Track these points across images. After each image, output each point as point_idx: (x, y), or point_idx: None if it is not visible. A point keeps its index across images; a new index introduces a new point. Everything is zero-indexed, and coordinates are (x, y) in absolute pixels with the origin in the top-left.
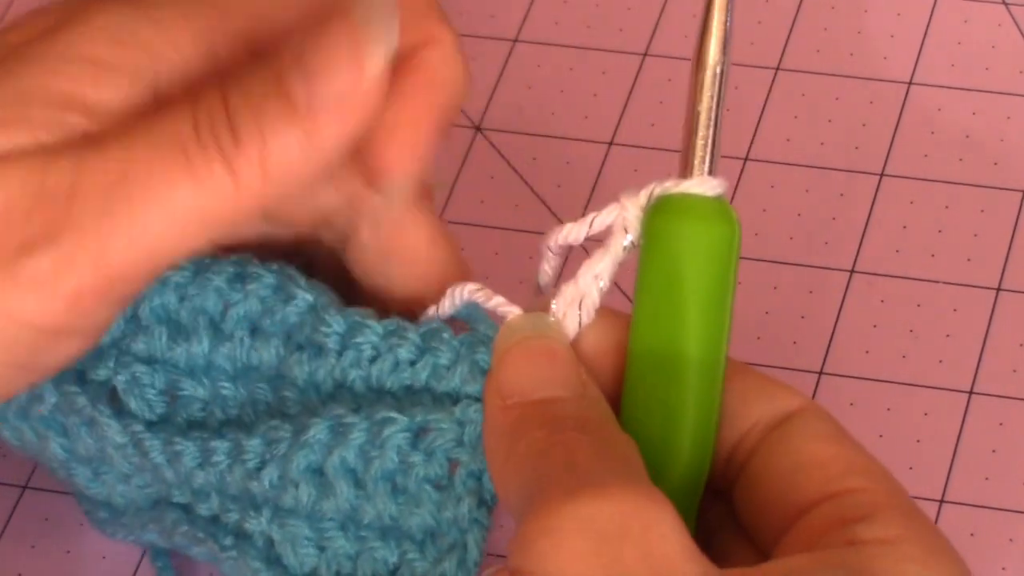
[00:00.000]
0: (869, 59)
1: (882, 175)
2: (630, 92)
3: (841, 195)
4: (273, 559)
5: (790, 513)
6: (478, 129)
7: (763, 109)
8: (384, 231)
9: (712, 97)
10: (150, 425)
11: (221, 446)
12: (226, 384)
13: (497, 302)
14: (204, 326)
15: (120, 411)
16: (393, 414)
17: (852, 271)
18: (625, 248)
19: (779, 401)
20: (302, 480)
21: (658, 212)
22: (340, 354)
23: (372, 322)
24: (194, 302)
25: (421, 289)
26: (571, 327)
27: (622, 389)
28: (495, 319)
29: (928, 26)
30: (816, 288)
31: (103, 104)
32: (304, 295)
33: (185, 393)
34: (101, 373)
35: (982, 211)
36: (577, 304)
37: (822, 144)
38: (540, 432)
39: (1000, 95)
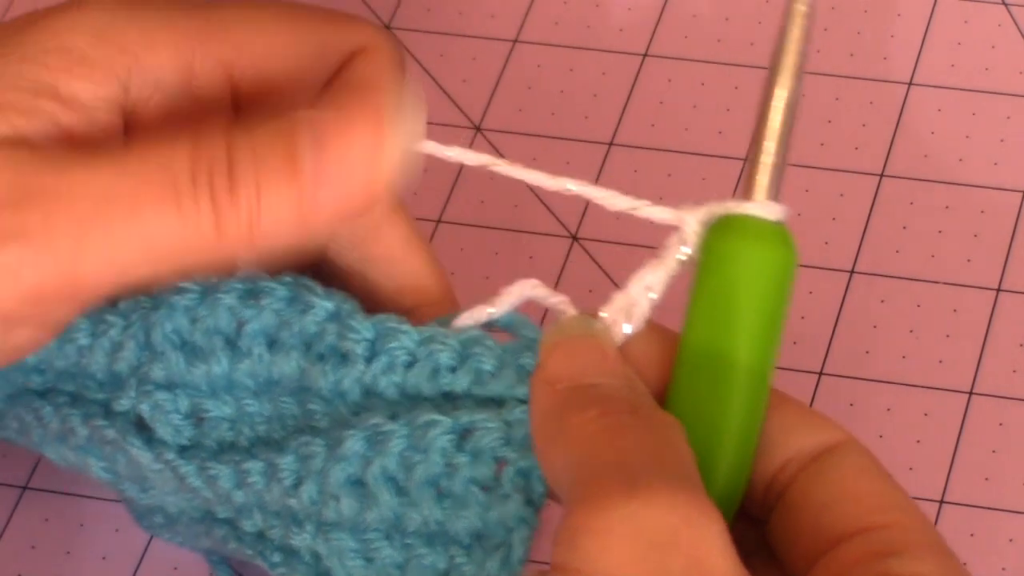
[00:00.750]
0: (869, 59)
1: (882, 175)
2: (630, 92)
3: (841, 195)
4: (323, 573)
5: (823, 544)
6: (478, 129)
7: None
8: (361, 235)
9: (783, 123)
10: (182, 450)
11: (255, 467)
12: (250, 401)
13: (557, 300)
14: (220, 346)
15: (151, 439)
16: (436, 416)
17: (852, 271)
18: (680, 262)
19: (820, 433)
20: (342, 493)
21: (718, 231)
22: (369, 361)
23: (407, 327)
24: (206, 323)
25: (399, 290)
26: (619, 335)
27: (664, 403)
28: (551, 318)
29: (928, 26)
30: (816, 288)
31: (75, 95)
32: (323, 303)
33: (211, 414)
34: (124, 403)
35: (982, 211)
36: (626, 313)
37: (822, 144)
38: (591, 411)
39: (1000, 95)
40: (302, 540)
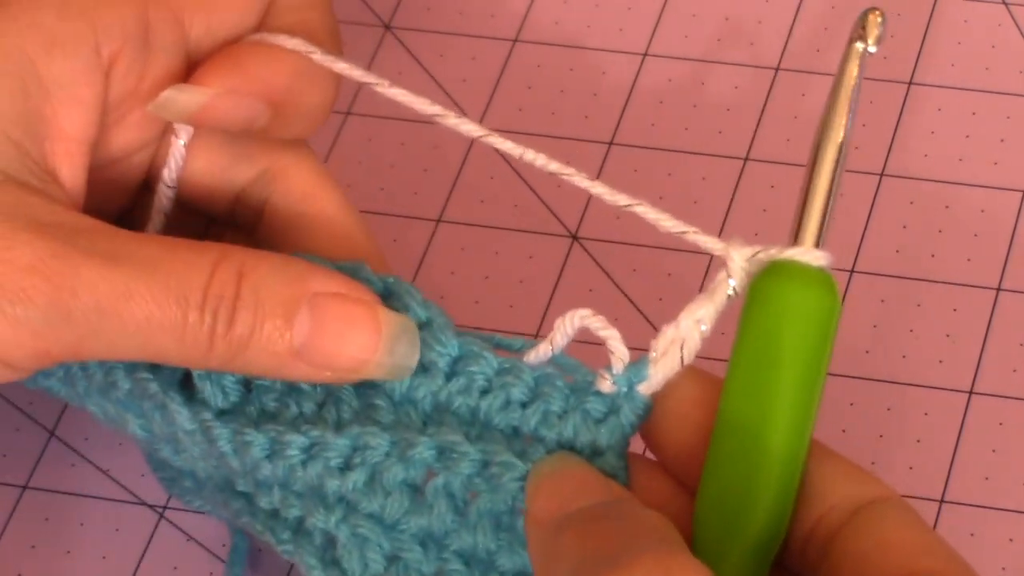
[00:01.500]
0: (869, 59)
1: (882, 175)
2: (630, 92)
3: (841, 195)
4: (328, 560)
5: None
6: None
7: (763, 110)
8: (295, 199)
9: (833, 172)
10: (221, 414)
11: (297, 441)
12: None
13: (609, 334)
14: None
15: (192, 398)
16: (514, 459)
17: (852, 271)
18: (728, 297)
19: (863, 487)
20: (395, 491)
21: (766, 275)
22: (448, 377)
23: (489, 354)
24: None
25: (331, 257)
26: (670, 368)
27: (707, 446)
28: (606, 349)
29: (928, 26)
30: None
31: (56, 79)
32: (418, 310)
33: (261, 383)
34: None
35: (982, 211)
36: (678, 346)
37: None
38: (576, 528)
39: (1000, 95)
40: (324, 522)
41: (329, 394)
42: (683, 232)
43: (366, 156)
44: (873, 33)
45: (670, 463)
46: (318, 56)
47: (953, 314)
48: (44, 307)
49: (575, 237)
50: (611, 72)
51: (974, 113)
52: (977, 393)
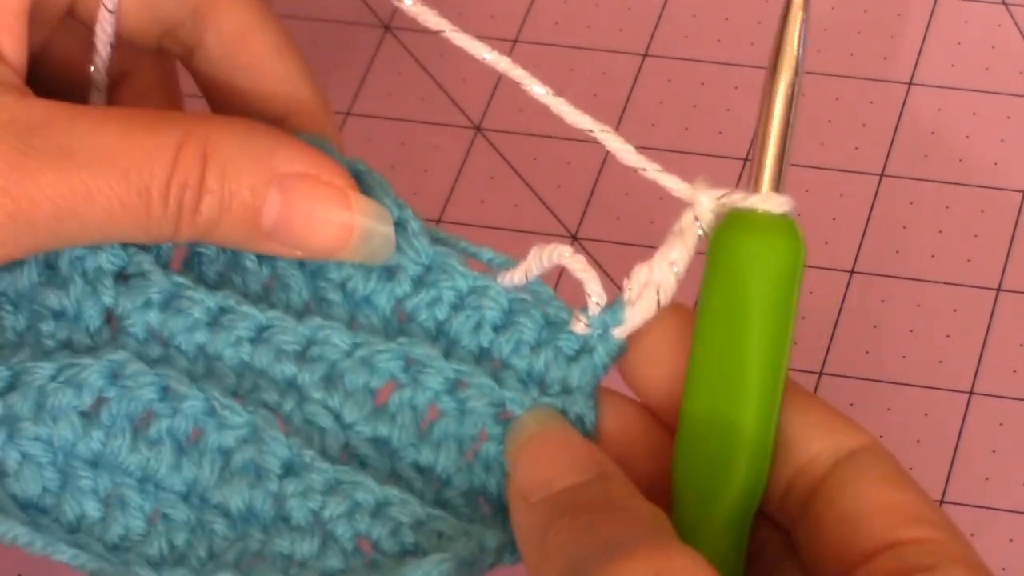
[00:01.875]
0: (869, 59)
1: (882, 175)
2: (630, 92)
3: (841, 195)
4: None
5: (851, 559)
6: (478, 129)
7: None
8: (228, 42)
9: (785, 115)
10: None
11: (255, 315)
12: (251, 257)
13: (587, 276)
14: None
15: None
16: (490, 382)
17: (852, 271)
18: (699, 238)
19: (842, 436)
20: (357, 393)
21: (726, 227)
22: (415, 286)
23: (464, 269)
24: None
25: (268, 97)
26: (647, 311)
27: (682, 390)
28: (585, 290)
29: (928, 26)
30: (816, 288)
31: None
32: (392, 207)
33: (205, 252)
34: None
35: (982, 211)
36: (654, 289)
37: (822, 144)
38: (566, 521)
39: (1000, 95)
40: (277, 403)
41: (275, 276)
42: (643, 168)
43: (366, 156)
44: None
45: (648, 401)
46: None
47: (953, 314)
48: (5, 222)
49: (575, 237)
50: (611, 72)
51: (974, 113)
52: (977, 393)
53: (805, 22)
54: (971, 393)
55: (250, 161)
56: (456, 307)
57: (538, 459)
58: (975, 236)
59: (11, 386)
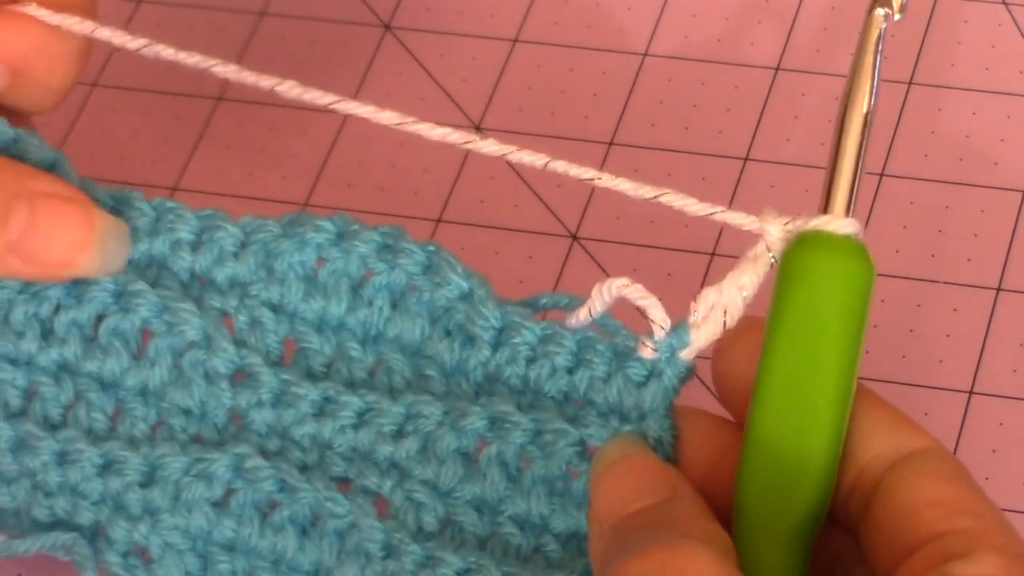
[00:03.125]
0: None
1: (882, 175)
2: (630, 92)
3: None
4: (394, 514)
5: (902, 551)
6: (478, 129)
7: (763, 110)
8: None
9: (860, 142)
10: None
11: (351, 402)
12: (355, 346)
13: (648, 303)
14: (345, 289)
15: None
16: (567, 426)
17: None
18: (770, 265)
19: (904, 437)
20: (449, 459)
21: (799, 247)
22: (495, 348)
23: (530, 323)
24: (336, 264)
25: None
26: (713, 333)
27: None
28: (646, 318)
29: (928, 26)
30: None
31: None
32: (459, 282)
33: (310, 346)
34: (215, 303)
35: (982, 211)
36: (721, 311)
37: (822, 144)
38: (629, 541)
39: (1000, 95)
40: (377, 485)
41: (380, 361)
42: (712, 213)
43: (365, 157)
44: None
45: (730, 406)
46: (75, 23)
47: (953, 314)
48: None
49: (575, 237)
50: (611, 72)
51: (974, 113)
52: (977, 393)
53: (882, 45)
54: (971, 393)
55: (2, 187)
56: (530, 359)
57: (613, 485)
58: (975, 236)
59: (149, 478)
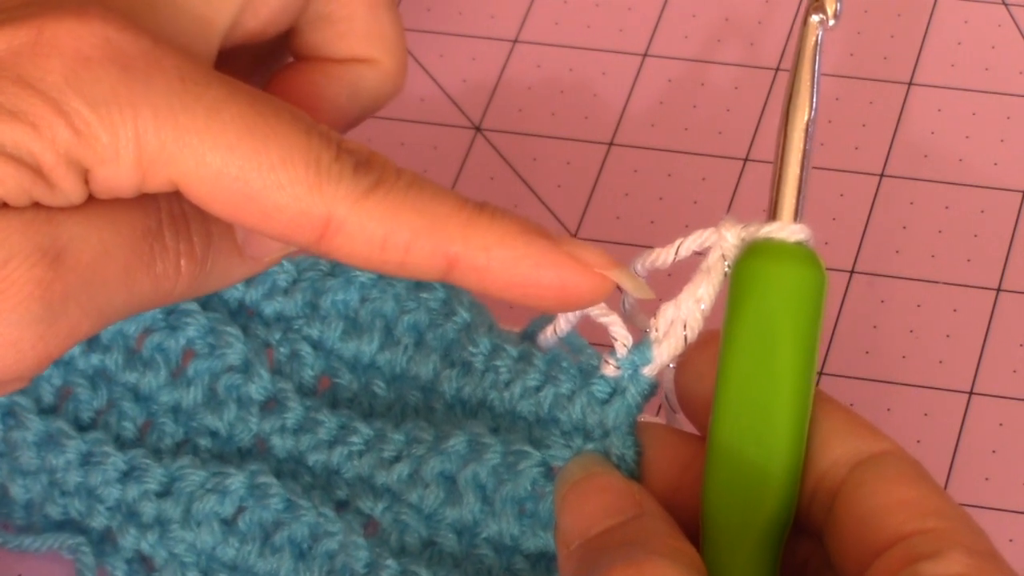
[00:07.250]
0: (869, 59)
1: (882, 175)
2: (630, 92)
3: (841, 195)
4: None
5: (869, 554)
6: (478, 129)
7: (763, 110)
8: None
9: (803, 148)
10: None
11: (363, 430)
12: (381, 384)
13: (609, 320)
14: (379, 328)
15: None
16: (528, 448)
17: (852, 271)
18: (726, 274)
19: (863, 441)
20: (433, 483)
21: (751, 256)
22: (483, 374)
23: (509, 347)
24: (375, 304)
25: (361, 56)
26: (674, 348)
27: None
28: (611, 336)
29: (928, 26)
30: None
31: None
32: (463, 314)
33: (340, 382)
34: (260, 333)
35: (982, 211)
36: (681, 325)
37: (822, 144)
38: (597, 562)
39: (1000, 95)
40: (371, 508)
41: (400, 397)
42: (670, 259)
43: None
44: (832, 5)
45: (695, 420)
46: None
47: (953, 314)
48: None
49: (575, 237)
50: (611, 72)
51: (974, 113)
52: (977, 393)
53: (819, 52)
54: (971, 393)
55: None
56: (508, 381)
57: (578, 506)
58: (975, 236)
59: (167, 488)
